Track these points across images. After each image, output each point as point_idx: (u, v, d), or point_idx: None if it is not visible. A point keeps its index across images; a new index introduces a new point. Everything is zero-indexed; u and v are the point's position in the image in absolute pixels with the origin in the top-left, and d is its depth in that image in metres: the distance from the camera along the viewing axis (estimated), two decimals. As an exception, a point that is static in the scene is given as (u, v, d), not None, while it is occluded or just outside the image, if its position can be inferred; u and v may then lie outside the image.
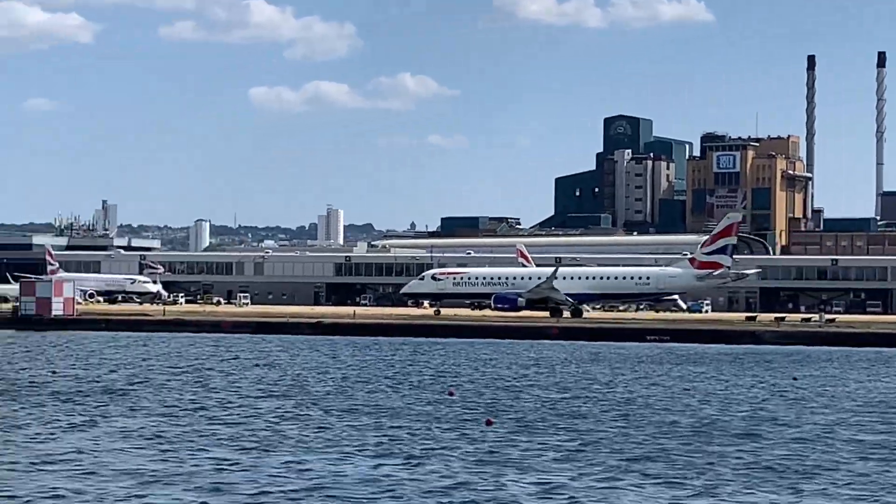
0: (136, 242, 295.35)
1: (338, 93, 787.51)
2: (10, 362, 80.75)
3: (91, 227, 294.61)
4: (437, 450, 41.22)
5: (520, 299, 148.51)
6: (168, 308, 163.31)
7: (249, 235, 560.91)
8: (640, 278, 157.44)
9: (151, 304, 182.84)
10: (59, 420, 48.70)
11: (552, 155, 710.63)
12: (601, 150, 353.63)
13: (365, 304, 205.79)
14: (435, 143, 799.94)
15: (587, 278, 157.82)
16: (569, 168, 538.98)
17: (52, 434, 44.45)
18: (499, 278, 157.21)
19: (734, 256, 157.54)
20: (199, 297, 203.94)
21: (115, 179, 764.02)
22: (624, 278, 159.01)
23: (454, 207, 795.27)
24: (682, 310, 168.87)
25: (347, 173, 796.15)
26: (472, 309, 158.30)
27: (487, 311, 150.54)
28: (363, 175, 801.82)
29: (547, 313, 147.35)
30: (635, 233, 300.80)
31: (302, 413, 52.28)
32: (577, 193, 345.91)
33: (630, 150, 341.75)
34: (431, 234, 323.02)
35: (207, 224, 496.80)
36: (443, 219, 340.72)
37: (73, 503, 31.60)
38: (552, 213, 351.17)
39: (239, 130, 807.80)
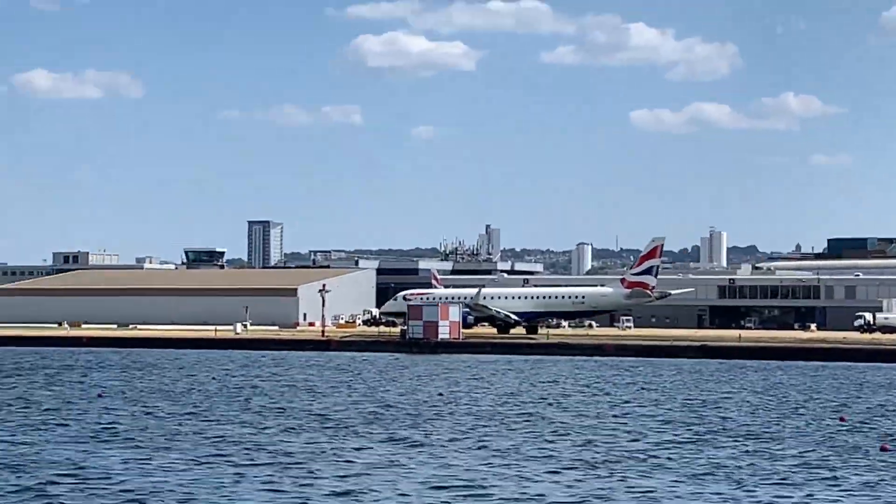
0: (518, 266, 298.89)
1: (719, 114, 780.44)
2: (405, 383, 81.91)
3: (475, 252, 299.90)
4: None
5: (469, 317, 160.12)
6: (551, 332, 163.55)
7: (631, 258, 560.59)
8: (576, 297, 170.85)
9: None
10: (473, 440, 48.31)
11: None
12: None
13: (749, 328, 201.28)
14: (818, 164, 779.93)
15: (529, 298, 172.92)
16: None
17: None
18: (454, 298, 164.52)
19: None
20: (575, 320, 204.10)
21: (497, 203, 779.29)
22: (561, 297, 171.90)
23: (841, 228, 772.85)
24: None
25: (729, 195, 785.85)
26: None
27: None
28: (746, 196, 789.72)
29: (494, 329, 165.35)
30: None
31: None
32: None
33: None
34: (818, 256, 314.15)
35: (589, 247, 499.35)
36: (829, 240, 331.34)
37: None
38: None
39: (620, 153, 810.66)
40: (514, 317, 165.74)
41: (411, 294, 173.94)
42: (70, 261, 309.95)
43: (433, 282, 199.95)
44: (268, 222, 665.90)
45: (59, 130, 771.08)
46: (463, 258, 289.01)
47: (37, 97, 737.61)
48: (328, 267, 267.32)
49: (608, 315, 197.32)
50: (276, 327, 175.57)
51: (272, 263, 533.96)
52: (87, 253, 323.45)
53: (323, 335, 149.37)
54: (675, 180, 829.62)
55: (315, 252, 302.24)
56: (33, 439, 48.11)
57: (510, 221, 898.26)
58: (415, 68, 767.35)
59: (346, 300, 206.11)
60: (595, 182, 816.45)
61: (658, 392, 77.28)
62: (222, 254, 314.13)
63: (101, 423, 54.33)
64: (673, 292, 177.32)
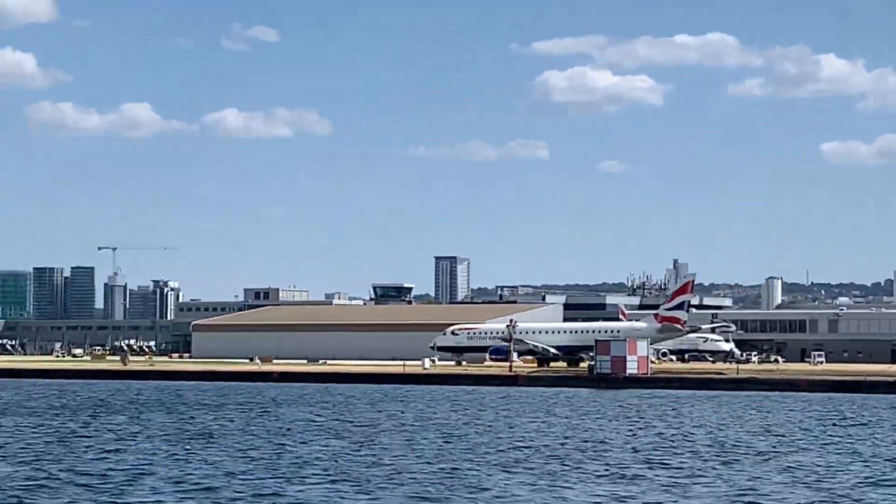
0: (707, 300, 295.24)
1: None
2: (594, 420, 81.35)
3: (662, 287, 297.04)
4: None
5: (504, 350, 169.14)
6: (741, 367, 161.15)
7: (822, 292, 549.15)
8: (611, 331, 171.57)
9: (724, 362, 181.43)
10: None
11: None
12: None
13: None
14: None
15: (566, 332, 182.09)
16: None
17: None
18: (495, 333, 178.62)
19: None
20: (763, 355, 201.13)
21: (685, 237, 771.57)
22: (597, 332, 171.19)
23: None
24: None
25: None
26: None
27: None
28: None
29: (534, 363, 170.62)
30: None
31: None
32: None
33: None
34: None
35: (779, 281, 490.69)
36: None
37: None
38: None
39: (811, 185, 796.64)
40: (552, 350, 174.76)
41: (459, 329, 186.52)
42: (261, 297, 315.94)
43: (620, 317, 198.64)
44: (455, 258, 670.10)
45: (250, 169, 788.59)
46: (650, 293, 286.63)
47: (228, 136, 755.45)
48: (515, 302, 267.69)
49: (799, 350, 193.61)
50: (463, 363, 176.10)
51: (459, 299, 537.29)
52: (278, 289, 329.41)
53: (510, 370, 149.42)
54: (867, 212, 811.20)
55: (502, 287, 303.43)
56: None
57: (698, 256, 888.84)
58: (600, 102, 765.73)
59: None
60: (785, 215, 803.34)
61: None
62: (410, 289, 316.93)
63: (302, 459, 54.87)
64: (703, 326, 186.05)
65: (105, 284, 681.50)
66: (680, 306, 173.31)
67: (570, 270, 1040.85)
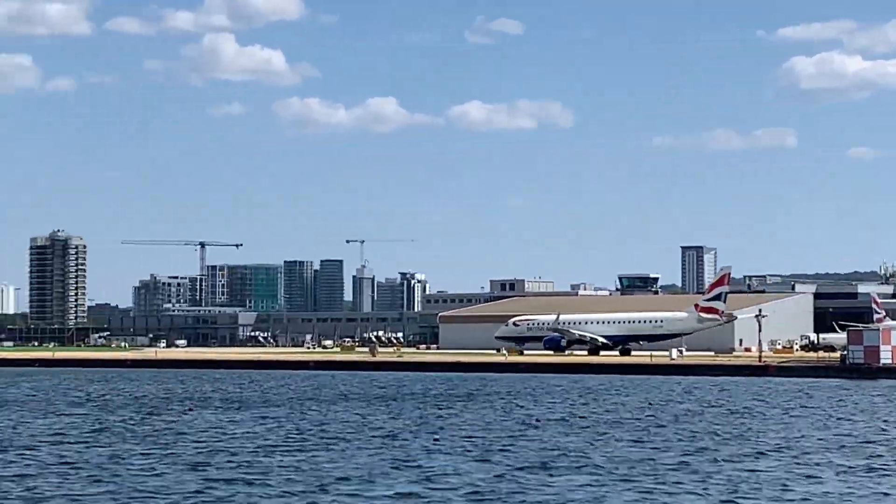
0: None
1: None
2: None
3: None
4: None
5: (562, 341, 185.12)
6: None
7: None
8: (655, 321, 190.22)
9: None
10: None
11: None
12: None
13: None
14: None
15: (615, 323, 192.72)
16: None
17: None
18: (563, 324, 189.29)
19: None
20: None
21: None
22: (643, 322, 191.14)
23: None
24: None
25: None
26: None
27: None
28: None
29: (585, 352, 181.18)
30: None
31: None
32: None
33: None
34: None
35: None
36: None
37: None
38: None
39: None
40: (601, 339, 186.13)
41: (520, 320, 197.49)
42: (507, 288, 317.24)
43: (874, 306, 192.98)
44: (701, 247, 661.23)
45: (494, 161, 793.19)
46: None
47: (472, 129, 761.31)
48: (763, 291, 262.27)
49: None
50: (711, 353, 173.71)
51: (706, 289, 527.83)
52: (523, 280, 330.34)
53: (760, 360, 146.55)
54: None
55: (750, 277, 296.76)
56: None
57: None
58: (849, 88, 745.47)
59: (782, 325, 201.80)
60: None
61: None
62: (656, 279, 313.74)
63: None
64: (739, 315, 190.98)
65: (353, 277, 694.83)
66: (717, 297, 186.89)
67: (820, 259, 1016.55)
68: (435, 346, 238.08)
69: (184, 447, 53.38)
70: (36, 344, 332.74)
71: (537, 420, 69.73)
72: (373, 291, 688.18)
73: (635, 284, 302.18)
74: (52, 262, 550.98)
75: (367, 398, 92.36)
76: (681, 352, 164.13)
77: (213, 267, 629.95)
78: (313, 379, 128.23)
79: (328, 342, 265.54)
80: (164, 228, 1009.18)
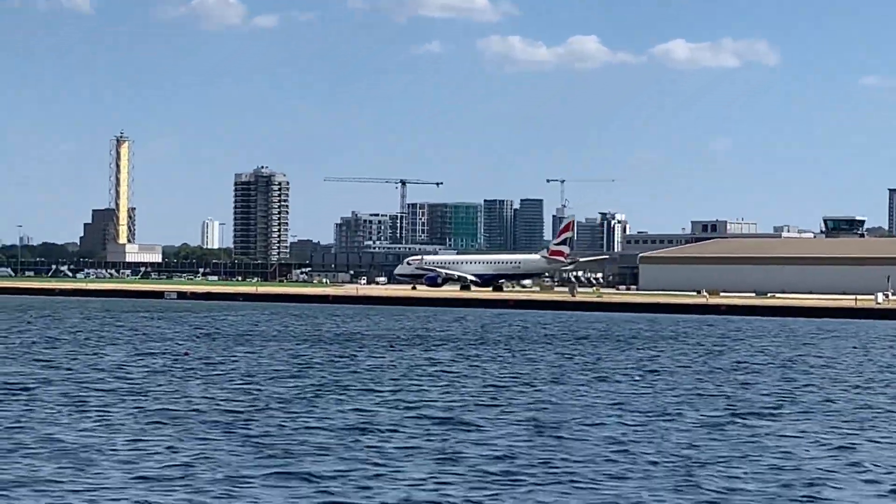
0: None
1: None
2: None
3: None
4: None
5: (439, 279, 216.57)
6: None
7: None
8: (514, 263, 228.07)
9: None
10: None
11: None
12: None
13: None
14: None
15: (482, 263, 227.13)
16: None
17: None
18: (435, 263, 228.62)
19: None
20: None
21: None
22: (505, 263, 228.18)
23: None
24: None
25: None
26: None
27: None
28: None
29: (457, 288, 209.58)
30: None
31: None
32: None
33: None
34: None
35: None
36: None
37: None
38: None
39: None
40: (470, 277, 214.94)
41: (412, 260, 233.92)
42: (708, 229, 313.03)
43: None
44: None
45: (697, 100, 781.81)
46: None
47: (675, 67, 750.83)
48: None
49: None
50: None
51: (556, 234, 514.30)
52: (725, 222, 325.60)
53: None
54: None
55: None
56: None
57: None
58: None
59: None
60: None
61: None
62: (862, 222, 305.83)
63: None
64: (581, 259, 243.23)
65: (553, 216, 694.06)
66: (564, 242, 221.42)
67: None
68: (635, 287, 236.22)
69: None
70: (239, 279, 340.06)
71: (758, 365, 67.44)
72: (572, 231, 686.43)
73: (840, 227, 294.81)
74: (255, 198, 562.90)
75: (576, 339, 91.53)
76: (887, 296, 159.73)
77: (414, 205, 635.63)
78: (513, 318, 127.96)
79: (527, 282, 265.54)
80: (365, 166, 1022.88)
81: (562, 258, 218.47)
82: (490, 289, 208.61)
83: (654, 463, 31.02)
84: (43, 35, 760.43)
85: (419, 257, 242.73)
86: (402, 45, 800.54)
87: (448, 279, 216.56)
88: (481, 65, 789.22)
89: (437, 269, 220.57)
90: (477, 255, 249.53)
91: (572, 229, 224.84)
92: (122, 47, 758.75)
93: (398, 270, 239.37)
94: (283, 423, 36.94)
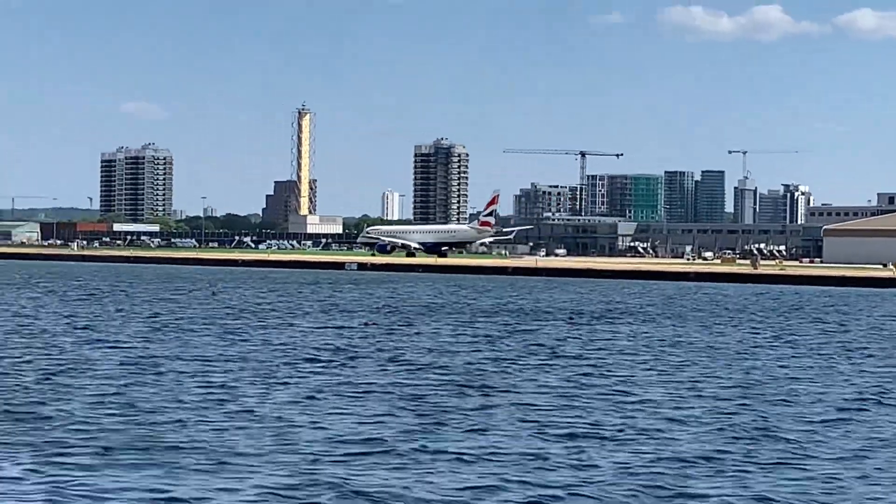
0: None
1: None
2: None
3: None
4: None
5: (388, 247, 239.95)
6: None
7: None
8: (449, 232, 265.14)
9: None
10: None
11: None
12: None
13: None
14: None
15: (425, 233, 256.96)
16: None
17: None
18: (387, 233, 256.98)
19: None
20: None
21: None
22: (442, 232, 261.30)
23: None
24: None
25: None
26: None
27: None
28: None
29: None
30: None
31: None
32: None
33: None
34: None
35: None
36: None
37: None
38: None
39: None
40: (414, 245, 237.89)
41: (371, 230, 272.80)
42: (893, 202, 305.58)
43: None
44: None
45: (884, 70, 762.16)
46: None
47: (860, 37, 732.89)
48: None
49: None
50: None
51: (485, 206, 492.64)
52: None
53: None
54: None
55: None
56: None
57: None
58: None
59: None
60: None
61: None
62: None
63: None
64: (505, 229, 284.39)
65: (735, 188, 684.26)
66: (490, 214, 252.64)
67: None
68: (819, 259, 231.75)
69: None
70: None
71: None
72: (755, 203, 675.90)
73: None
74: (435, 169, 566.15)
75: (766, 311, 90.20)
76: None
77: (594, 176, 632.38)
78: (695, 291, 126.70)
79: (708, 254, 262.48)
80: (544, 138, 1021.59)
81: (489, 228, 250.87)
82: (435, 255, 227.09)
83: None
84: (227, 9, 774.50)
85: (376, 227, 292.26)
86: (582, 15, 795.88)
87: (394, 247, 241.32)
88: (662, 35, 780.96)
89: (386, 239, 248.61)
90: (417, 226, 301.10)
91: (497, 202, 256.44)
92: (305, 19, 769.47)
93: (360, 238, 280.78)
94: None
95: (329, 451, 27.28)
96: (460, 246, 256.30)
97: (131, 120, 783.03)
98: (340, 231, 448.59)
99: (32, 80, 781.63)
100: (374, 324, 68.03)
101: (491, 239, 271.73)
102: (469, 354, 50.98)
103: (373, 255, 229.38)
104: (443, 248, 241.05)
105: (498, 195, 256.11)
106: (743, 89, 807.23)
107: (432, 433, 29.79)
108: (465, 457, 26.89)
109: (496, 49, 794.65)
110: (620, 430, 30.78)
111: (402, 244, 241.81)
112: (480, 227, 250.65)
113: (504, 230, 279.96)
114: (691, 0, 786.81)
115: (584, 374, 43.94)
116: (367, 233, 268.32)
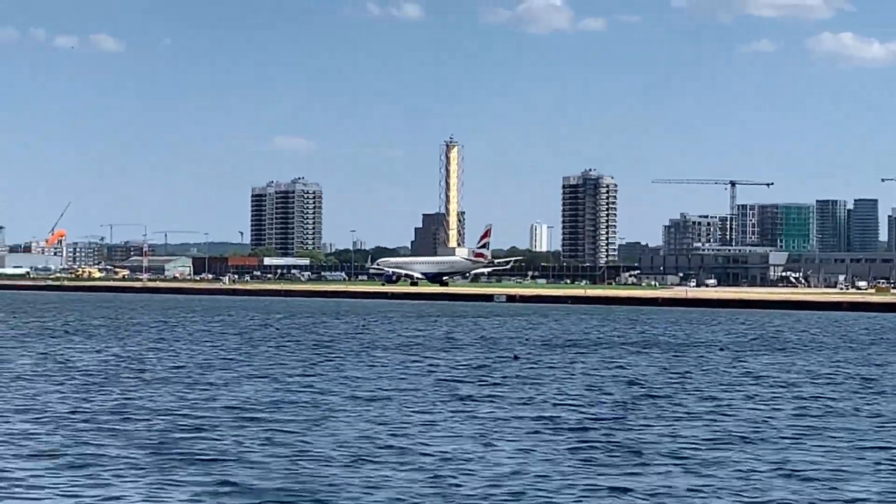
0: None
1: None
2: None
3: None
4: None
5: (393, 276, 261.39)
6: None
7: None
8: (447, 263, 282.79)
9: None
10: None
11: None
12: None
13: None
14: None
15: (425, 264, 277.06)
16: None
17: None
18: (394, 265, 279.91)
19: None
20: None
21: None
22: (441, 263, 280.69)
23: None
24: None
25: None
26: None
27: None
28: None
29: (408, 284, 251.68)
30: None
31: None
32: None
33: None
34: None
35: None
36: None
37: None
38: None
39: None
40: (417, 276, 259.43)
41: (382, 261, 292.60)
42: None
43: None
44: None
45: None
46: None
47: None
48: None
49: None
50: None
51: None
52: None
53: None
54: None
55: None
56: None
57: None
58: None
59: None
60: None
61: None
62: None
63: None
64: (497, 261, 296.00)
65: (889, 217, 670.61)
66: (484, 246, 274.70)
67: None
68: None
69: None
70: (568, 281, 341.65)
71: None
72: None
73: None
74: (583, 200, 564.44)
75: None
76: None
77: (744, 206, 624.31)
78: (851, 323, 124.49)
79: (862, 283, 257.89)
80: (693, 167, 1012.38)
81: (482, 259, 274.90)
82: (437, 284, 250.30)
83: None
84: (375, 42, 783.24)
85: (385, 259, 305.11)
86: (730, 44, 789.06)
87: (399, 277, 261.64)
88: (812, 62, 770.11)
89: (392, 269, 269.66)
90: (419, 258, 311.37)
91: (489, 236, 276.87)
92: (451, 52, 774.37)
93: (370, 269, 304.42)
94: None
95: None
96: (458, 275, 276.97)
97: (281, 154, 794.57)
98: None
99: (182, 117, 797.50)
100: (517, 357, 68.07)
101: (487, 269, 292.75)
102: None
103: (383, 284, 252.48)
104: (443, 278, 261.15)
105: (490, 229, 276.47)
106: (893, 116, 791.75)
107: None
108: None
109: (643, 78, 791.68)
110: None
111: (405, 274, 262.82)
112: (475, 259, 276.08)
113: (497, 261, 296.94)
114: (840, 26, 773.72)
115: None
116: (378, 264, 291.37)
